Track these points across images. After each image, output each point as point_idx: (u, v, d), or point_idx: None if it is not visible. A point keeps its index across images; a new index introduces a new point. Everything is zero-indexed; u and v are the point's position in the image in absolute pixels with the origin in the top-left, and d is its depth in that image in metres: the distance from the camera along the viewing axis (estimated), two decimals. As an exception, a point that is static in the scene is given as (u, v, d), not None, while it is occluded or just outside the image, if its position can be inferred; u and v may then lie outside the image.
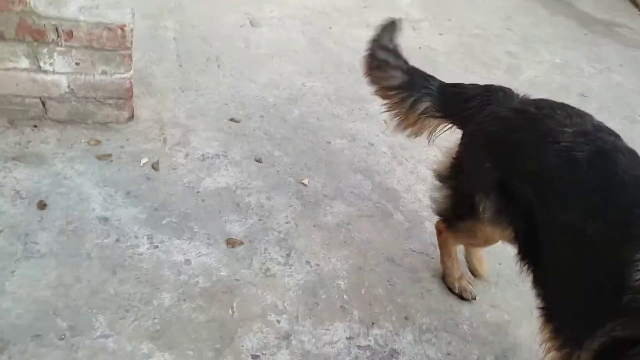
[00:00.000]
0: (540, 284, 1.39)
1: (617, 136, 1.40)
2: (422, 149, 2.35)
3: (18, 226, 1.65)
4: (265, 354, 1.50)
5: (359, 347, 1.59)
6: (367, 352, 1.58)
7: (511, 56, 3.28)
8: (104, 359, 1.41)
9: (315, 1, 3.34)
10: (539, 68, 3.23)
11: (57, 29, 1.75)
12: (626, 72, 3.38)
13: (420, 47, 3.09)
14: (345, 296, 1.72)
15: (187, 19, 2.82)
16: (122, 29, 1.80)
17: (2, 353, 1.37)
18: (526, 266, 1.44)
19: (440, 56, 3.09)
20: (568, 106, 1.49)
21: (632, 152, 1.33)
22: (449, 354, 1.63)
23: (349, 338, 1.60)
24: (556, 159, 1.32)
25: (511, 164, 1.45)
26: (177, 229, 1.77)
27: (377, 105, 2.53)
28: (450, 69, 2.96)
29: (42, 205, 1.72)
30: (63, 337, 1.43)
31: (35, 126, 1.96)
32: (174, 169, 1.97)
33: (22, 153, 1.86)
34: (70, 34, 1.76)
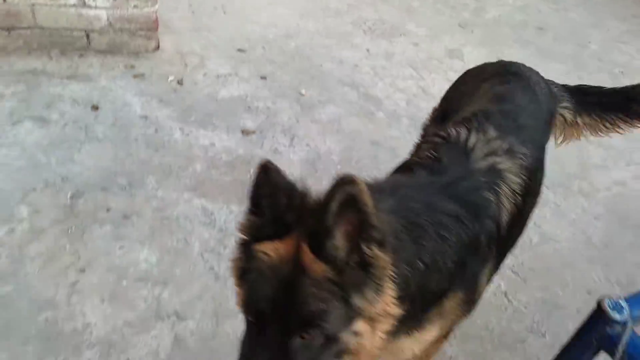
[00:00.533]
0: None
1: None
2: (400, 68, 2.81)
3: (79, 121, 2.11)
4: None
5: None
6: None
7: (477, 1, 3.73)
8: (156, 202, 1.86)
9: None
10: (501, 10, 3.69)
11: (98, -30, 2.21)
12: (580, 10, 3.83)
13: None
14: (338, 166, 2.17)
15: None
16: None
17: (80, 197, 1.82)
18: None
19: (415, 2, 3.54)
20: None
21: None
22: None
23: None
24: None
25: None
26: (202, 124, 2.22)
27: (360, 38, 3.01)
28: (423, 11, 3.42)
29: (95, 108, 2.18)
30: (124, 189, 1.88)
31: (82, 55, 2.41)
32: (195, 84, 2.43)
33: (74, 74, 2.32)
34: (108, -27, 2.22)
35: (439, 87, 2.74)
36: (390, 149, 2.30)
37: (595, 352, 1.00)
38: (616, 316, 0.95)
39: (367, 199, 0.82)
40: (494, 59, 2.42)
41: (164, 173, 1.97)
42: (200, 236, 1.77)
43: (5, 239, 1.66)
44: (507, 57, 2.88)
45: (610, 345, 0.98)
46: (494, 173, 1.19)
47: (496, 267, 1.30)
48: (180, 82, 2.41)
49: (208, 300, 1.58)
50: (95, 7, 2.30)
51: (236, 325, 1.47)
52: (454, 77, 2.61)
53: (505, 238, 1.24)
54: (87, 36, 2.38)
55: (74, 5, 2.27)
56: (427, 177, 1.17)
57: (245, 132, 2.23)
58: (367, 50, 2.93)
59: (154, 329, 1.49)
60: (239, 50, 2.71)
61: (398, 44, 3.06)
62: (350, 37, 3.01)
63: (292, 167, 2.12)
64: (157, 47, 2.53)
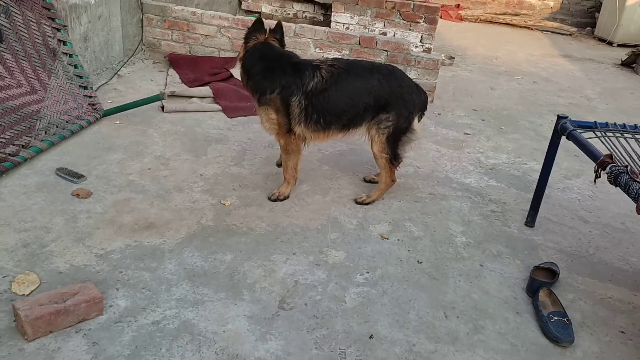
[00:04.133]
0: None
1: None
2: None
3: (391, 117, 4.70)
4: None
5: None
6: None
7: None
8: (417, 142, 4.24)
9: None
10: None
11: (415, 60, 4.93)
12: None
13: (587, 106, 5.48)
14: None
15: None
16: (437, 61, 4.89)
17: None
18: None
19: (599, 110, 5.41)
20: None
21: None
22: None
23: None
24: None
25: None
26: (446, 127, 4.58)
27: None
28: (602, 114, 5.27)
29: (398, 115, 4.76)
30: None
31: (397, 99, 5.11)
32: (446, 116, 4.85)
33: (392, 104, 5.00)
34: (419, 62, 4.92)
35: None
36: (543, 150, 4.25)
37: (557, 133, 2.90)
38: (564, 117, 2.87)
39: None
40: None
41: (423, 136, 4.35)
42: (433, 153, 4.05)
43: (357, 140, 4.21)
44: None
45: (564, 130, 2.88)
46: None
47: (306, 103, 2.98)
48: (439, 114, 4.86)
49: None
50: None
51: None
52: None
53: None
54: (401, 91, 5.08)
55: (400, 75, 5.02)
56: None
57: (466, 133, 4.50)
58: (551, 120, 4.96)
59: (408, 166, 3.81)
60: (474, 110, 5.07)
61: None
62: (543, 115, 5.09)
63: (483, 147, 4.26)
64: (432, 101, 5.08)
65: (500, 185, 3.66)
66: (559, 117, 2.94)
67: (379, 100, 3.07)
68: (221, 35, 5.20)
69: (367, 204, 3.25)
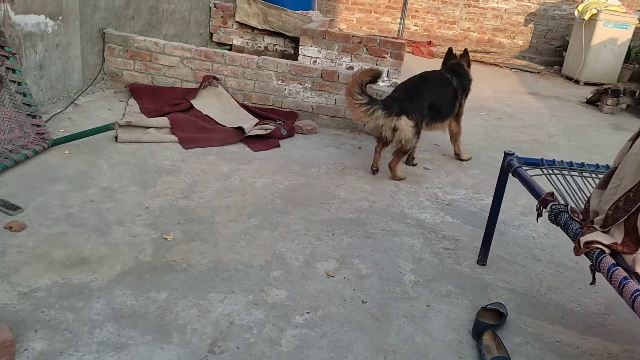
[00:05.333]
0: None
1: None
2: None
3: (350, 150, 4.65)
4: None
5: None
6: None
7: (612, 153, 5.41)
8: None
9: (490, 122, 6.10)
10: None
11: (376, 94, 4.93)
12: None
13: (549, 142, 5.52)
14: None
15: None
16: (399, 96, 4.90)
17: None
18: None
19: (561, 147, 5.44)
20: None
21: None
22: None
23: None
24: None
25: None
26: (405, 161, 4.54)
27: None
28: (564, 151, 5.30)
29: (359, 148, 4.71)
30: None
31: (359, 132, 5.07)
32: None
33: (354, 137, 4.96)
34: (380, 97, 4.92)
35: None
36: (501, 187, 4.22)
37: (504, 170, 2.86)
38: (511, 154, 2.84)
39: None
40: None
41: (382, 170, 4.30)
42: (391, 188, 4.00)
43: (315, 171, 4.14)
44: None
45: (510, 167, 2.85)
46: None
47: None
48: (401, 148, 4.83)
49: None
50: (371, 111, 4.99)
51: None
52: None
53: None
54: (364, 125, 5.05)
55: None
56: None
57: (425, 168, 4.46)
58: (512, 156, 4.95)
59: (363, 201, 3.74)
60: (435, 144, 5.06)
61: (535, 158, 5.00)
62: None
63: (442, 182, 4.23)
64: (394, 135, 5.06)
65: (455, 222, 3.60)
66: (506, 154, 2.91)
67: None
68: (183, 66, 5.15)
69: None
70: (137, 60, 5.21)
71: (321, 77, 4.98)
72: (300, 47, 6.36)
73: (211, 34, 7.59)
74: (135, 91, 5.13)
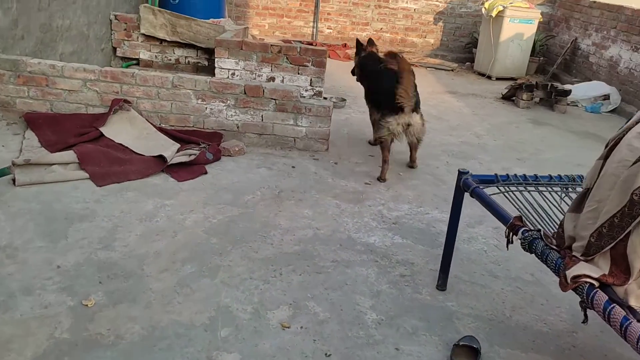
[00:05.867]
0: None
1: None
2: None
3: (284, 169, 4.34)
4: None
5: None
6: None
7: (537, 150, 5.52)
8: (313, 200, 3.90)
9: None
10: (554, 154, 5.41)
11: (305, 108, 4.65)
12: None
13: (478, 143, 5.53)
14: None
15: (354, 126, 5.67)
16: (328, 108, 4.65)
17: (282, 192, 3.94)
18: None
19: (489, 146, 5.46)
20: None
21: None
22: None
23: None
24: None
25: None
26: (344, 178, 4.30)
27: (445, 158, 4.95)
28: (493, 150, 5.32)
29: (293, 167, 4.42)
30: (304, 192, 3.97)
31: (290, 149, 4.77)
32: (343, 164, 4.59)
33: (285, 155, 4.65)
34: (310, 109, 4.65)
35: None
36: (444, 198, 4.11)
37: (460, 190, 2.70)
38: (465, 172, 2.68)
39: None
40: (533, 173, 4.50)
41: (320, 189, 4.04)
42: (333, 210, 3.74)
43: (250, 199, 3.80)
44: (543, 173, 4.62)
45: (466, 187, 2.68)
46: None
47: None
48: (336, 163, 4.60)
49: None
50: (301, 126, 4.71)
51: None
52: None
53: None
54: (294, 140, 4.77)
55: (292, 124, 4.71)
56: None
57: (365, 183, 4.26)
58: (447, 162, 4.89)
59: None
60: (370, 155, 4.88)
61: (469, 162, 4.96)
62: (438, 156, 5.02)
63: (384, 197, 4.04)
64: (327, 149, 4.82)
65: (405, 242, 3.40)
66: (460, 173, 2.73)
67: None
68: (87, 90, 4.59)
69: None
70: (31, 86, 4.58)
71: (245, 93, 4.62)
72: (216, 59, 5.95)
73: (114, 49, 6.96)
74: (33, 121, 4.50)
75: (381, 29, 10.37)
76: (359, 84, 5.10)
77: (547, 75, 9.25)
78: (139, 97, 4.64)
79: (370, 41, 5.10)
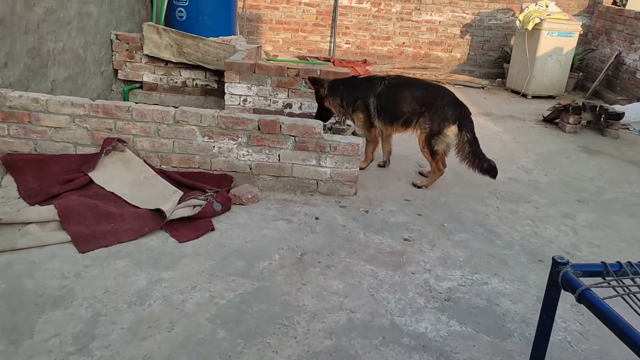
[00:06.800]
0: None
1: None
2: (520, 219, 3.94)
3: (307, 223, 3.64)
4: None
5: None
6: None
7: (598, 188, 4.75)
8: (344, 262, 3.18)
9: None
10: (619, 194, 4.64)
11: (330, 146, 3.95)
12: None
13: (528, 180, 4.78)
14: (462, 263, 3.30)
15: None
16: (357, 146, 3.94)
17: (305, 255, 3.23)
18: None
19: (542, 184, 4.71)
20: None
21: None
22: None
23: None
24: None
25: None
26: (377, 232, 3.59)
27: (493, 201, 4.22)
28: (548, 190, 4.57)
29: (316, 219, 3.72)
30: (328, 255, 3.26)
31: (312, 194, 4.07)
32: (375, 213, 3.88)
33: (307, 202, 3.95)
34: (335, 148, 3.95)
35: (550, 233, 3.80)
36: (502, 260, 3.38)
37: (556, 286, 1.97)
38: (563, 262, 1.95)
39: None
40: (601, 224, 3.80)
41: (351, 250, 3.34)
42: (368, 281, 3.03)
43: (267, 267, 3.10)
44: (613, 222, 3.93)
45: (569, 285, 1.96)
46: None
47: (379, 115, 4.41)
48: (366, 212, 3.89)
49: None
50: (325, 167, 4.01)
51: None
52: (565, 229, 3.85)
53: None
54: (317, 183, 4.07)
55: (314, 165, 4.01)
56: None
57: (405, 240, 3.54)
58: (497, 207, 4.15)
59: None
60: (405, 199, 4.16)
61: (522, 206, 4.22)
62: (485, 199, 4.28)
63: (429, 259, 3.32)
64: (355, 194, 4.11)
65: (465, 331, 2.67)
66: (557, 263, 1.99)
67: (421, 107, 4.32)
68: (76, 127, 3.94)
69: (421, 187, 4.46)
70: (12, 123, 3.93)
71: (258, 128, 3.94)
72: (226, 84, 5.29)
73: (116, 71, 6.33)
74: (13, 165, 3.85)
75: (403, 43, 9.67)
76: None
77: (587, 93, 8.47)
78: (135, 135, 3.97)
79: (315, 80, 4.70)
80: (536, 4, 8.18)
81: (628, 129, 6.70)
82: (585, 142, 6.10)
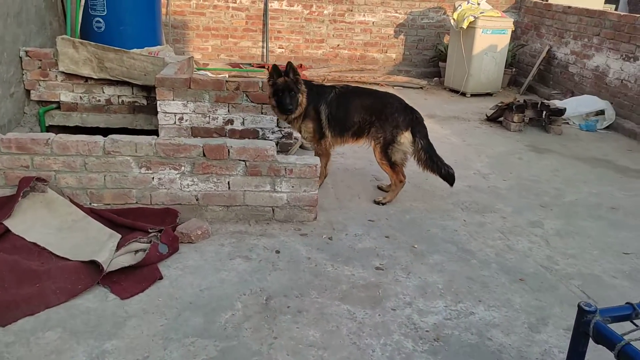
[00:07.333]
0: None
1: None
2: (490, 233, 3.73)
3: (268, 259, 3.25)
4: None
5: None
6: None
7: (557, 190, 4.67)
8: (317, 305, 2.82)
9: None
10: (578, 195, 4.57)
11: (285, 168, 3.57)
12: (650, 194, 4.59)
13: (488, 187, 4.62)
14: (442, 290, 3.03)
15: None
16: (315, 167, 3.59)
17: (271, 300, 2.84)
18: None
19: (503, 191, 4.57)
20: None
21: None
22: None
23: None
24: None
25: None
26: (346, 262, 3.26)
27: (459, 214, 3.99)
28: (510, 197, 4.42)
29: (277, 252, 3.33)
30: (297, 297, 2.88)
31: (268, 222, 3.68)
32: (340, 240, 3.54)
33: (264, 233, 3.55)
34: (291, 170, 3.57)
35: (523, 245, 3.62)
36: (482, 283, 3.14)
37: (584, 338, 1.72)
38: (591, 310, 1.70)
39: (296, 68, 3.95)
40: (570, 230, 3.62)
41: (321, 287, 2.98)
42: (347, 325, 2.69)
43: (230, 320, 2.69)
44: (581, 227, 3.79)
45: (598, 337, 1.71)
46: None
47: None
48: (330, 239, 3.54)
49: None
50: (281, 192, 3.63)
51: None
52: (537, 240, 3.65)
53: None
54: (273, 210, 3.68)
55: (269, 191, 3.62)
56: None
57: (377, 268, 3.23)
58: (464, 220, 3.93)
59: (320, 369, 2.35)
60: (369, 220, 3.86)
61: (488, 217, 4.03)
62: (451, 213, 4.06)
63: (407, 290, 3.03)
64: (316, 218, 3.75)
65: (464, 376, 2.39)
66: (584, 311, 1.73)
67: (371, 115, 4.07)
68: (-16, 166, 3.34)
69: (384, 203, 4.16)
70: None
71: (203, 155, 3.49)
72: (158, 102, 4.77)
73: (28, 92, 5.61)
74: None
75: (338, 45, 9.41)
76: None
77: (522, 88, 8.56)
78: (58, 171, 3.41)
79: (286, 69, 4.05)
80: (468, 2, 8.15)
81: (568, 123, 6.77)
82: (531, 141, 6.06)
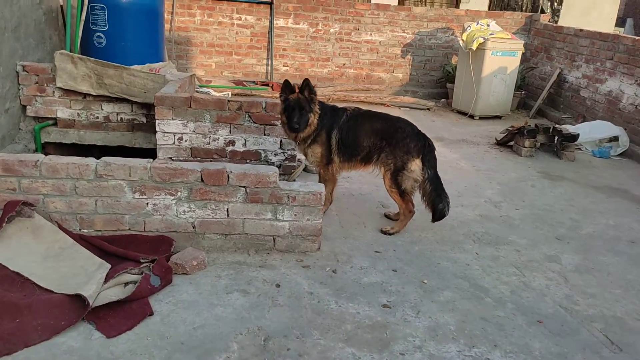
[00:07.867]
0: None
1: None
2: (504, 267, 3.51)
3: (268, 293, 3.03)
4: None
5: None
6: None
7: (573, 221, 4.44)
8: (319, 347, 2.59)
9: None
10: (595, 227, 4.35)
11: (287, 196, 3.37)
12: (671, 227, 4.36)
13: (500, 216, 4.40)
14: (455, 332, 2.80)
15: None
16: (319, 194, 3.39)
17: (269, 340, 2.62)
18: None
19: (516, 221, 4.35)
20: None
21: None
22: None
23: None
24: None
25: None
26: (351, 299, 3.03)
27: (470, 245, 3.77)
28: (523, 227, 4.20)
29: (277, 286, 3.11)
30: (298, 337, 2.66)
31: (269, 252, 3.47)
32: (345, 273, 3.32)
33: (263, 264, 3.34)
34: (294, 198, 3.37)
35: (539, 283, 3.39)
36: (498, 324, 2.91)
37: None
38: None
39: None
40: (589, 267, 3.38)
41: (324, 327, 2.76)
42: (352, 372, 2.46)
43: (224, 362, 2.47)
44: (600, 263, 3.58)
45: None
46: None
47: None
48: (334, 271, 3.32)
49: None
50: (283, 220, 3.42)
51: None
52: (554, 276, 3.43)
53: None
54: (274, 240, 3.47)
55: (270, 219, 3.41)
56: None
57: (384, 306, 3.00)
58: (476, 253, 3.71)
59: None
60: (376, 251, 3.64)
61: (502, 249, 3.81)
62: (462, 244, 3.84)
63: (417, 332, 2.80)
64: (319, 249, 3.54)
65: None
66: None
67: (382, 140, 3.88)
68: (-32, 189, 3.14)
69: (392, 234, 3.93)
70: None
71: (202, 180, 3.29)
72: (157, 121, 4.59)
73: (24, 107, 5.45)
74: None
75: (344, 64, 9.27)
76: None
77: (531, 111, 8.38)
78: (46, 195, 3.21)
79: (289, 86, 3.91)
80: (477, 23, 8.02)
81: (580, 149, 6.57)
82: (544, 167, 5.86)
